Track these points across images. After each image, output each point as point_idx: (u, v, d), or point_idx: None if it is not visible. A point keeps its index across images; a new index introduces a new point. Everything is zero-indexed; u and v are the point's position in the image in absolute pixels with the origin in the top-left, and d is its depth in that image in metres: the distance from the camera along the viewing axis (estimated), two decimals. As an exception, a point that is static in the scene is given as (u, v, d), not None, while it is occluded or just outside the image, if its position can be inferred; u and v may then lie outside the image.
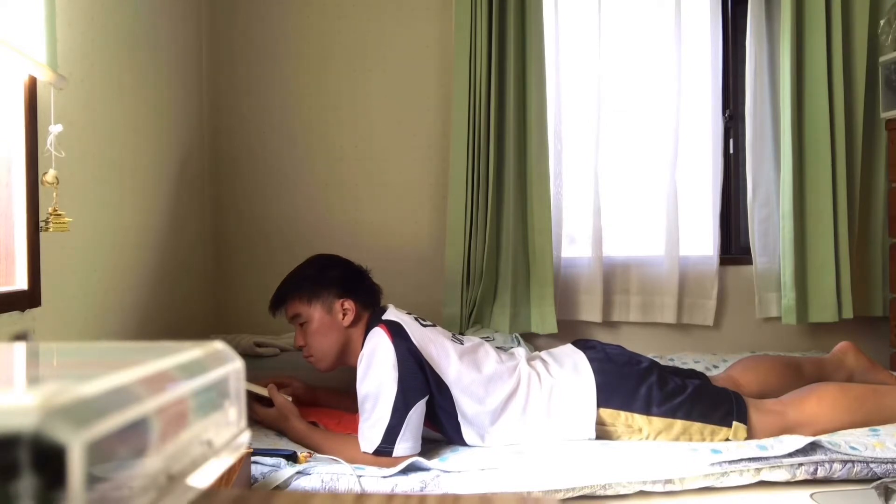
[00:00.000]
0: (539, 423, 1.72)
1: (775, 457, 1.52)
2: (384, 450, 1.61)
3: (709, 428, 1.69)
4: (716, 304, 2.81)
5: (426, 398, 1.67)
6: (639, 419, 1.70)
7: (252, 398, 1.79)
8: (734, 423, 1.69)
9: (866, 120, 2.75)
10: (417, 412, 1.64)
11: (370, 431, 1.63)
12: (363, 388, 1.68)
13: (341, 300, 1.83)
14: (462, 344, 1.82)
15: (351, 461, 1.57)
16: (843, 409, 1.72)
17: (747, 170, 2.79)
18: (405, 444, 1.61)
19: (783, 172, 2.71)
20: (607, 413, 1.71)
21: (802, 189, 2.71)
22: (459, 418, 1.71)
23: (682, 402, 1.71)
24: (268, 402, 1.83)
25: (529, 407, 1.72)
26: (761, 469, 1.51)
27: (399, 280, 2.77)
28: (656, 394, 1.71)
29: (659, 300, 2.79)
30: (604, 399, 1.72)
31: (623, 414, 1.71)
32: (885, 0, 2.76)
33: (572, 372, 1.77)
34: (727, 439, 1.67)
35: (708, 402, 1.72)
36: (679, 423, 1.69)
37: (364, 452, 1.62)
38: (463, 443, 1.73)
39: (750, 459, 1.52)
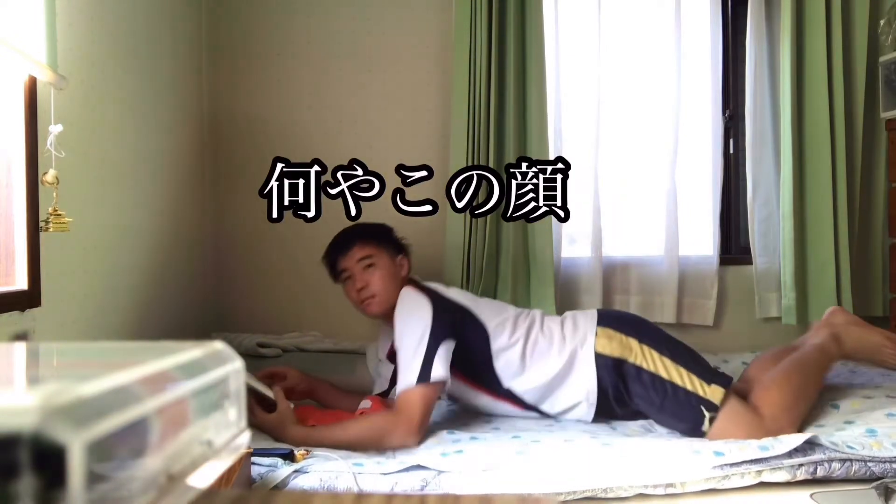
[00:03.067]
0: (552, 348, 1.92)
1: (776, 457, 1.52)
2: (423, 378, 1.77)
3: (689, 375, 1.82)
4: (716, 303, 2.81)
5: (455, 341, 1.86)
6: (633, 342, 1.88)
7: (253, 399, 1.77)
8: (714, 384, 1.79)
9: (866, 120, 2.75)
10: (447, 347, 1.83)
11: (409, 368, 1.78)
12: (398, 332, 1.87)
13: (399, 255, 2.05)
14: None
15: (362, 436, 1.71)
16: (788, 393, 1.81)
17: (747, 170, 2.79)
18: (438, 371, 1.78)
19: (783, 172, 2.71)
20: (605, 332, 1.91)
21: (802, 189, 2.71)
22: (493, 354, 1.91)
23: (676, 345, 1.90)
24: (269, 404, 1.81)
25: (545, 333, 1.95)
26: (762, 471, 1.51)
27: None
28: (654, 333, 1.93)
29: (659, 300, 2.79)
30: (603, 322, 1.94)
31: (619, 335, 1.90)
32: (885, 0, 2.76)
33: (579, 313, 2.04)
34: (701, 394, 1.78)
35: (697, 360, 1.89)
36: (667, 360, 1.85)
37: (405, 390, 1.76)
38: (496, 384, 1.91)
39: (752, 461, 1.52)
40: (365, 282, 1.97)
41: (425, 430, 1.75)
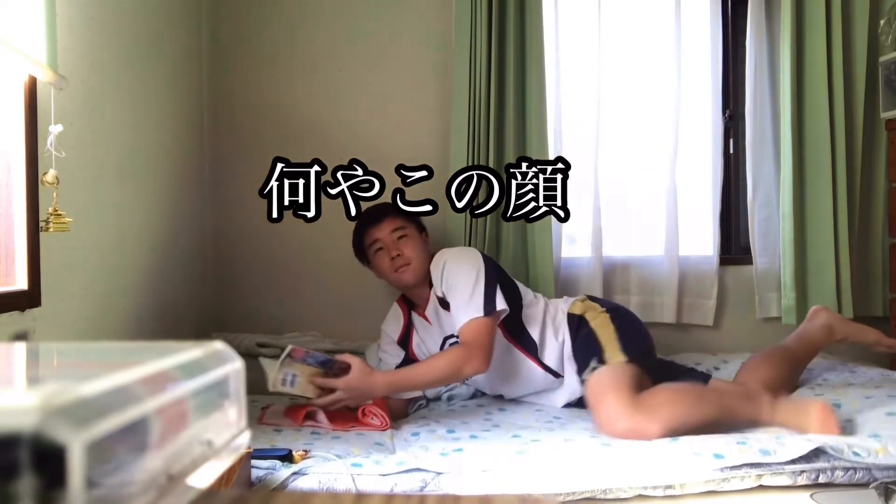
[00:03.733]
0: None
1: (778, 463, 1.51)
2: (488, 307, 1.93)
3: (616, 341, 2.00)
4: (716, 304, 2.81)
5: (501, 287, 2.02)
6: (597, 307, 2.13)
7: (321, 375, 1.82)
8: (626, 356, 1.94)
9: (866, 120, 2.75)
10: (500, 287, 2.00)
11: (472, 302, 1.93)
12: (451, 275, 2.01)
13: (424, 232, 2.22)
14: None
15: (441, 372, 1.88)
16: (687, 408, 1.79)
17: (747, 170, 2.79)
18: (501, 303, 1.96)
19: (783, 172, 2.71)
20: (583, 301, 2.18)
21: (802, 189, 2.71)
22: (524, 318, 2.12)
23: (633, 335, 2.07)
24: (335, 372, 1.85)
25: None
26: (763, 475, 1.51)
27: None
28: (627, 320, 2.14)
29: (659, 300, 2.78)
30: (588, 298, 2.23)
31: (593, 304, 2.17)
32: (885, 0, 2.76)
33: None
34: (606, 353, 1.96)
35: (645, 351, 2.06)
36: (612, 327, 2.04)
37: (472, 319, 1.91)
38: (525, 338, 2.10)
39: (752, 465, 1.51)
40: (399, 250, 2.08)
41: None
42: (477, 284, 1.96)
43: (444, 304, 2.05)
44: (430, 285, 2.10)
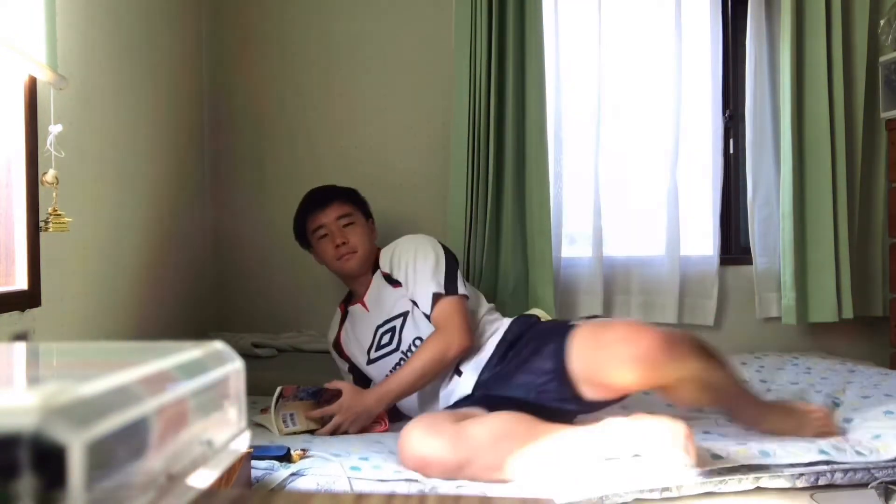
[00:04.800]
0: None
1: (777, 465, 1.51)
2: (450, 287, 1.86)
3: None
4: (716, 304, 2.81)
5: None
6: None
7: (312, 405, 1.81)
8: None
9: (866, 120, 2.75)
10: (460, 275, 1.93)
11: (434, 279, 1.87)
12: (407, 255, 1.94)
13: (370, 219, 2.10)
14: None
15: (426, 366, 1.78)
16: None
17: (747, 170, 2.79)
18: (462, 287, 1.89)
19: (783, 172, 2.71)
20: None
21: (802, 189, 2.71)
22: (481, 317, 1.97)
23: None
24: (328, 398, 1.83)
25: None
26: (761, 477, 1.51)
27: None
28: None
29: (659, 300, 2.78)
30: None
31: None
32: (885, 0, 2.76)
33: None
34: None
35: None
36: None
37: (434, 295, 1.85)
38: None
39: (750, 467, 1.51)
40: (345, 237, 1.99)
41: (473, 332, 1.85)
42: (437, 268, 1.90)
43: (391, 280, 1.97)
44: (374, 270, 2.02)
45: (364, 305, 2.03)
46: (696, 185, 2.86)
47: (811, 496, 1.50)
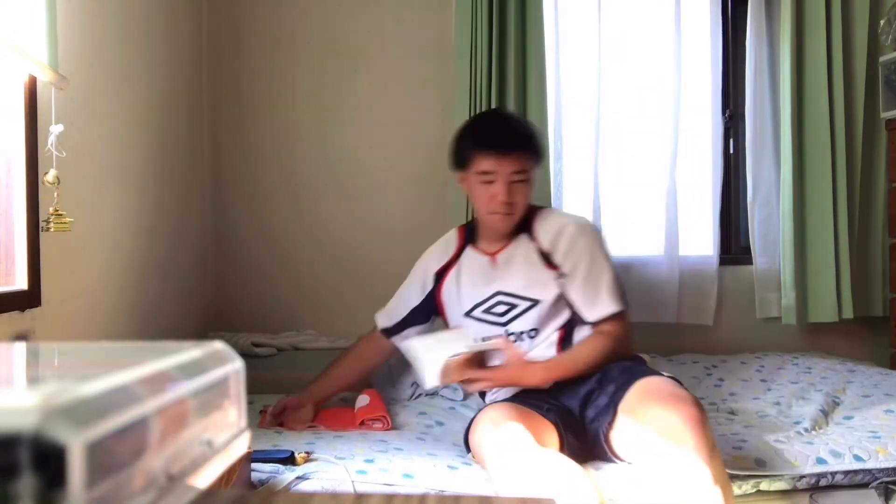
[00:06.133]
0: None
1: (776, 475, 1.51)
2: (624, 303, 1.73)
3: None
4: (716, 303, 2.80)
5: None
6: None
7: (473, 364, 1.62)
8: None
9: (866, 120, 2.75)
10: None
11: (613, 296, 1.71)
12: (583, 254, 1.72)
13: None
14: None
15: (598, 358, 1.65)
16: None
17: (747, 170, 2.79)
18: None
19: (783, 172, 2.71)
20: None
21: (802, 189, 2.71)
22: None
23: None
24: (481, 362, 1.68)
25: None
26: (760, 482, 1.51)
27: (400, 280, 2.76)
28: None
29: (659, 300, 2.78)
30: None
31: None
32: (885, 0, 2.76)
33: None
34: None
35: None
36: None
37: (615, 314, 1.69)
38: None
39: (748, 476, 1.51)
40: (512, 196, 1.70)
41: None
42: (614, 277, 1.74)
43: (546, 258, 1.75)
44: (520, 232, 1.79)
45: (493, 259, 1.80)
46: (696, 185, 2.85)
47: (811, 496, 1.50)
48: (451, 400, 2.15)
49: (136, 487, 0.37)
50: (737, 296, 2.86)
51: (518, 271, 1.76)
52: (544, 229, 1.76)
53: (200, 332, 2.51)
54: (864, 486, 1.53)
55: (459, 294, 1.83)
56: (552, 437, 1.54)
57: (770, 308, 2.80)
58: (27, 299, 1.46)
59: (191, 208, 2.56)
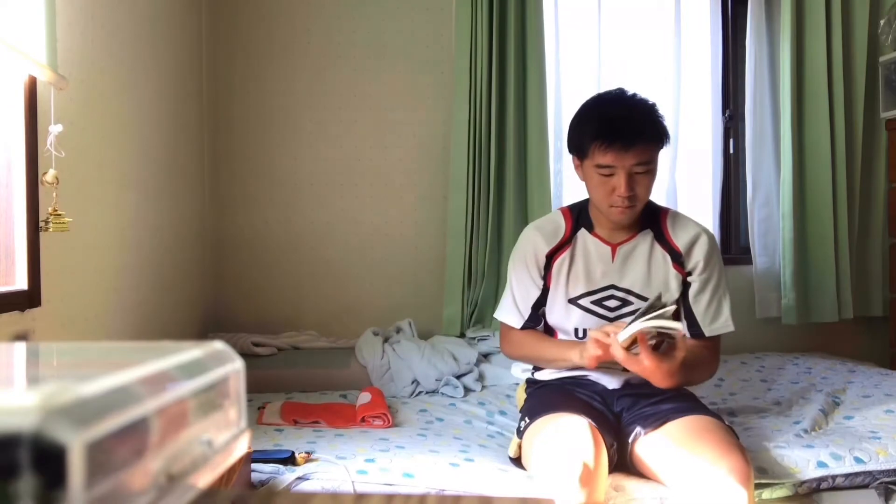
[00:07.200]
0: None
1: (777, 483, 1.51)
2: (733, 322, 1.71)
3: None
4: (716, 304, 2.80)
5: None
6: None
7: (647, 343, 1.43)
8: None
9: (866, 120, 2.75)
10: None
11: (730, 314, 1.72)
12: (715, 267, 1.70)
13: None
14: None
15: (704, 370, 1.65)
16: None
17: (747, 170, 2.79)
18: None
19: (783, 172, 2.71)
20: None
21: (802, 189, 2.71)
22: None
23: None
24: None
25: None
26: (762, 491, 1.51)
27: (399, 280, 2.77)
28: None
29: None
30: None
31: None
32: (885, 0, 2.76)
33: None
34: None
35: None
36: None
37: (722, 332, 1.70)
38: None
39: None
40: (632, 189, 1.56)
41: None
42: (729, 294, 1.74)
43: (677, 260, 1.66)
44: (645, 226, 1.68)
45: (613, 250, 1.67)
46: (696, 185, 2.86)
47: (811, 496, 1.50)
48: (451, 398, 2.17)
49: (136, 487, 0.37)
50: (737, 296, 2.85)
51: (638, 269, 1.66)
52: (681, 231, 1.67)
53: (200, 332, 2.51)
54: (865, 487, 1.53)
55: (568, 278, 1.69)
56: (602, 451, 1.44)
57: (770, 308, 2.80)
58: (27, 299, 1.46)
59: (191, 208, 2.55)
